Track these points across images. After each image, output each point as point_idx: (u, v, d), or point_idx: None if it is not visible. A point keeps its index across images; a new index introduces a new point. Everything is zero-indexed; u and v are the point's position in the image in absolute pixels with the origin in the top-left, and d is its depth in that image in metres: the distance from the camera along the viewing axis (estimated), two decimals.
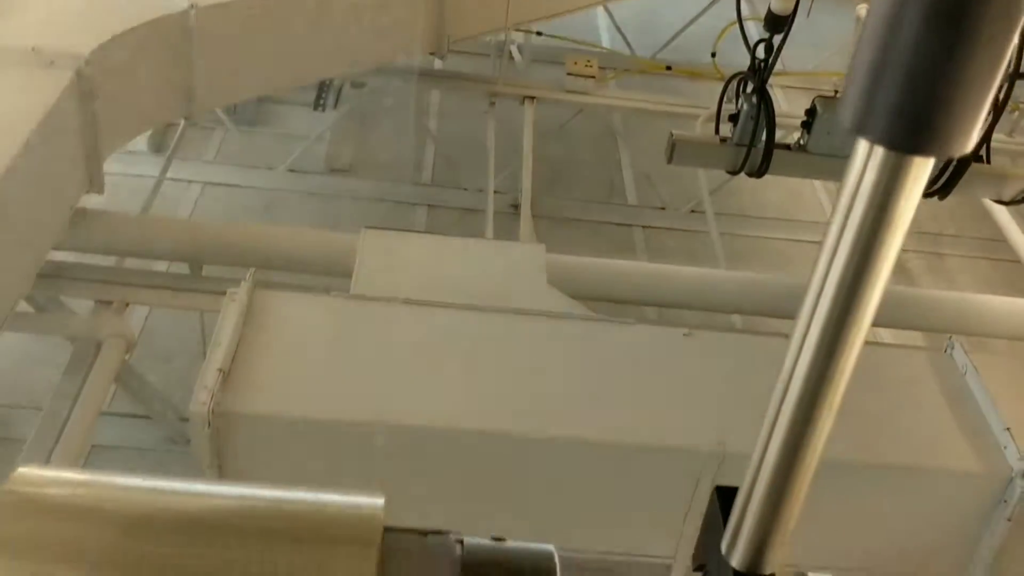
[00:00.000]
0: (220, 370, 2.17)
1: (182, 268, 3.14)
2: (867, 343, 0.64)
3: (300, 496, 0.69)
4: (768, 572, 0.70)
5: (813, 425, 0.63)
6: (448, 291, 2.59)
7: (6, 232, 2.37)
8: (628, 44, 6.02)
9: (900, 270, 5.01)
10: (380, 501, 0.68)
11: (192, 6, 2.97)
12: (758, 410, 2.38)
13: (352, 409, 2.16)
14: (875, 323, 0.67)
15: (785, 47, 3.05)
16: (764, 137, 3.17)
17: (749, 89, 3.17)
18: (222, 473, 2.17)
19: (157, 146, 4.62)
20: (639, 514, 2.35)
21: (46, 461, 2.48)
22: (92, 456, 3.08)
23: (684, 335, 2.53)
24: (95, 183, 2.83)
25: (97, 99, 2.69)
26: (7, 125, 2.44)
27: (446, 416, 2.21)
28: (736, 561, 0.71)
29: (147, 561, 0.62)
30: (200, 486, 0.69)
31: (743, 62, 3.27)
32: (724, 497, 0.73)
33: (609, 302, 3.11)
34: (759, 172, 3.25)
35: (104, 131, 2.77)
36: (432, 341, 2.41)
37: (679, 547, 2.36)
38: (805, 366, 0.64)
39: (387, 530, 0.66)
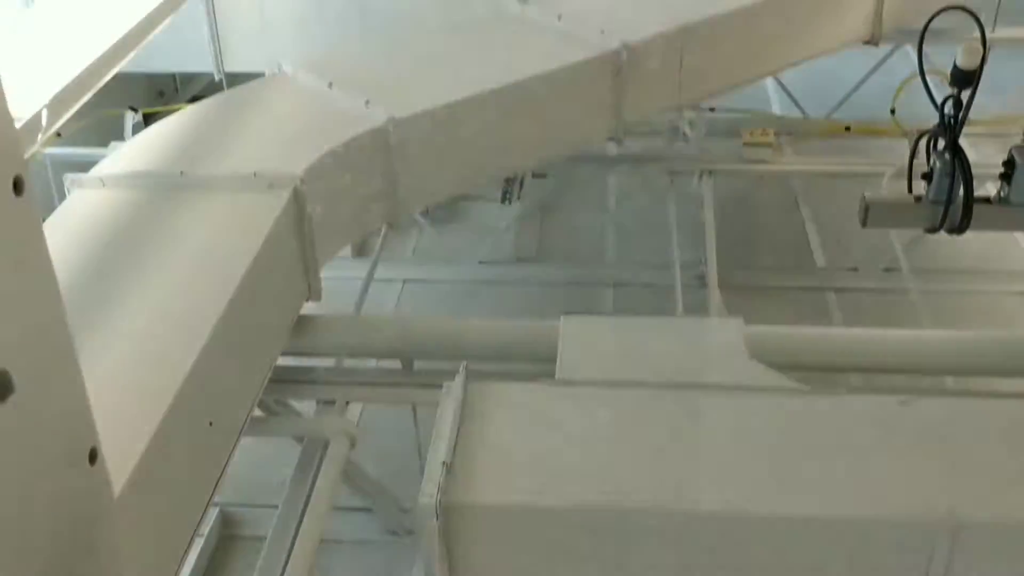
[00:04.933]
0: (444, 463, 2.27)
1: (393, 364, 3.30)
2: None
3: None
4: None
5: None
6: (651, 371, 2.63)
7: (241, 346, 2.57)
8: (800, 109, 6.00)
9: None
10: None
11: (391, 119, 3.18)
12: (989, 476, 2.29)
13: (579, 494, 2.21)
14: None
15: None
16: (961, 193, 3.10)
17: (940, 146, 3.12)
18: (451, 565, 2.25)
19: (359, 249, 4.91)
20: None
21: (285, 556, 2.63)
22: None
23: (899, 403, 2.48)
24: (313, 291, 3.04)
25: (312, 214, 2.91)
26: (237, 246, 2.67)
27: (664, 497, 2.23)
28: None
29: None
30: None
31: (922, 114, 3.22)
32: None
33: (811, 371, 3.07)
34: (959, 229, 3.17)
35: (319, 243, 2.98)
36: (641, 422, 2.45)
37: None
38: None
39: None
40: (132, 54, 3.37)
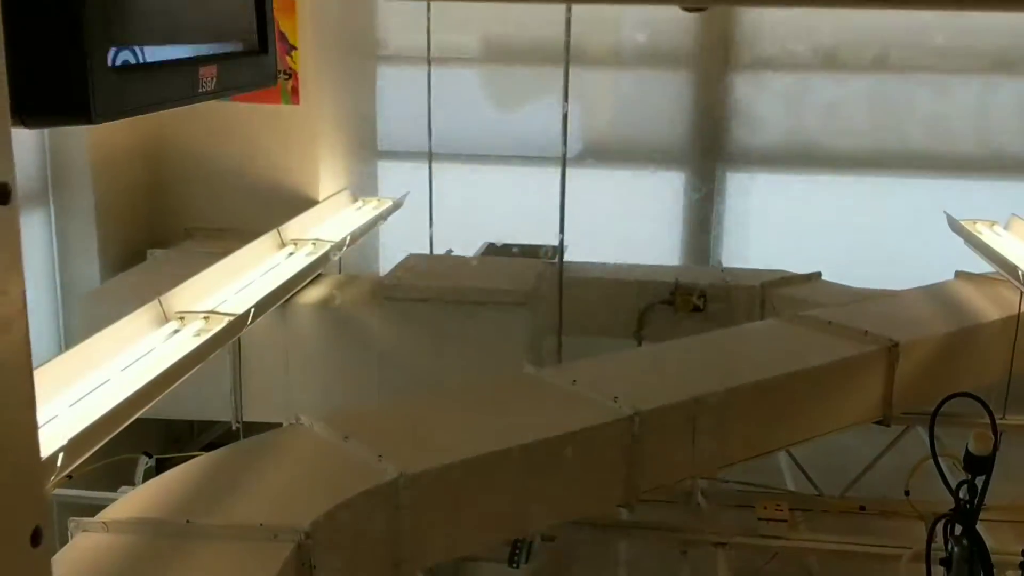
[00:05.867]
0: None
1: None
2: None
3: None
4: None
5: None
6: None
7: None
8: (814, 485, 5.97)
9: None
10: None
11: (401, 475, 3.17)
12: None
13: None
14: None
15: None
16: None
17: (956, 531, 3.07)
18: None
19: None
20: None
21: None
22: None
23: None
24: None
25: (314, 569, 2.84)
26: None
27: None
28: None
29: None
30: None
31: (936, 494, 3.19)
32: None
33: None
34: None
35: None
36: None
37: None
38: None
39: None
40: (154, 401, 3.44)
